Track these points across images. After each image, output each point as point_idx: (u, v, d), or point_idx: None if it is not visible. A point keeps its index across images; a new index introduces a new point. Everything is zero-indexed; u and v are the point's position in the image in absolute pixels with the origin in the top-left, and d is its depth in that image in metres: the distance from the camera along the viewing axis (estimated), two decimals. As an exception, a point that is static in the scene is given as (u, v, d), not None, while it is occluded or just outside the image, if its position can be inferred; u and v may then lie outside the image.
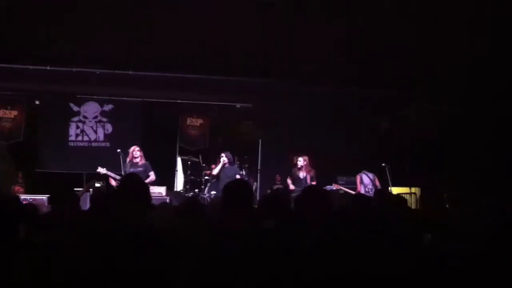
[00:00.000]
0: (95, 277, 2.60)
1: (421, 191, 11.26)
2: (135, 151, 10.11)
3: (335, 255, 2.77)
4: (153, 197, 7.90)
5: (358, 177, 10.96)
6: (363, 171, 10.97)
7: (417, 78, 11.00)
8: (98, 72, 11.64)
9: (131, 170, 9.74)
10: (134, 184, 3.72)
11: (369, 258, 2.72)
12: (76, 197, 5.26)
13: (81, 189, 9.46)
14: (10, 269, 2.62)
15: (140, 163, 10.07)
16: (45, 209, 6.31)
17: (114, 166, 10.25)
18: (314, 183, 10.52)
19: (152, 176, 10.07)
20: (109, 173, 10.07)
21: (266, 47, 10.79)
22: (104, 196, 5.95)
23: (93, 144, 12.38)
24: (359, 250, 2.81)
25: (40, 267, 2.60)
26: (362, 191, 10.78)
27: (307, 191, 3.89)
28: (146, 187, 3.94)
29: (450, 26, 9.70)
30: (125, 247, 2.73)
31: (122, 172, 10.02)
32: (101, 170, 10.04)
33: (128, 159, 10.07)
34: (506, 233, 3.04)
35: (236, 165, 11.16)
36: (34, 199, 9.00)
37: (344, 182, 11.15)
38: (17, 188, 11.24)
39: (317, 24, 10.06)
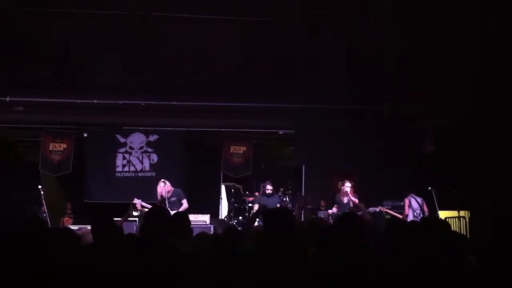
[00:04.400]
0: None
1: (471, 214, 10.96)
2: (165, 184, 10.16)
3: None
4: (196, 225, 8.01)
5: (406, 201, 10.72)
6: (411, 194, 10.74)
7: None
8: (143, 104, 11.91)
9: (167, 201, 9.88)
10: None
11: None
12: (118, 226, 5.29)
13: (120, 218, 9.58)
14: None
15: (170, 193, 10.12)
16: (90, 238, 6.39)
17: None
18: (362, 204, 10.41)
19: (185, 204, 10.11)
20: (143, 203, 10.20)
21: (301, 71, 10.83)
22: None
23: (139, 174, 12.59)
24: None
25: None
26: (411, 216, 10.55)
27: (341, 218, 3.84)
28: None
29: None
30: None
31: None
32: (137, 202, 10.18)
33: (159, 194, 10.12)
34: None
35: (277, 195, 11.21)
36: (79, 228, 9.16)
37: (390, 206, 10.95)
38: (66, 219, 11.51)
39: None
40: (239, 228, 8.23)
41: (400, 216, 10.53)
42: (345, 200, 10.55)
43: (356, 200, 10.49)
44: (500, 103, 10.36)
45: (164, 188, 10.05)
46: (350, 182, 10.73)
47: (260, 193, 11.31)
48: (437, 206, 10.43)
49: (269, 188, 10.96)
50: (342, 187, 10.57)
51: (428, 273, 3.00)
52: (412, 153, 11.79)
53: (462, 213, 10.93)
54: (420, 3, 9.05)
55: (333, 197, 11.33)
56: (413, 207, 10.62)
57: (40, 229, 3.52)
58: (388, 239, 3.99)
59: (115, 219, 9.22)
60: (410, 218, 10.48)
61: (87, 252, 4.02)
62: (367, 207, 10.64)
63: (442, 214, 10.55)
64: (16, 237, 3.35)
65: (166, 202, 9.96)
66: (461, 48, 9.78)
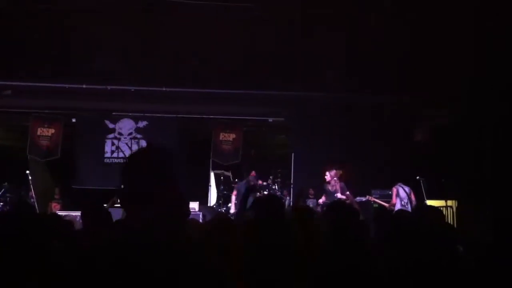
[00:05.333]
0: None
1: (458, 204, 11.05)
2: None
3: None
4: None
5: (394, 190, 10.76)
6: (399, 183, 10.79)
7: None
8: (132, 90, 11.84)
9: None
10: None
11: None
12: (108, 213, 5.26)
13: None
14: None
15: None
16: (78, 225, 6.38)
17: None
18: (347, 193, 10.46)
19: None
20: None
21: (294, 60, 10.81)
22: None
23: (128, 160, 12.50)
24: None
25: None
26: (398, 205, 10.60)
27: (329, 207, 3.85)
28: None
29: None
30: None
31: None
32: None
33: None
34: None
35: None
36: (67, 215, 9.15)
37: (378, 195, 11.01)
38: (54, 204, 11.47)
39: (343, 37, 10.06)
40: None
41: (387, 205, 10.62)
42: (332, 189, 10.58)
43: (339, 195, 10.47)
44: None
45: None
46: (337, 171, 10.74)
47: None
48: (425, 196, 10.49)
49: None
50: (329, 176, 10.58)
51: (422, 265, 2.98)
52: (404, 142, 11.81)
53: (449, 202, 11.02)
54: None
55: (321, 186, 11.32)
56: (400, 196, 10.67)
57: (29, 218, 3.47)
58: (377, 229, 3.99)
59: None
60: (398, 207, 10.53)
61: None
62: (355, 197, 10.69)
63: (430, 204, 10.60)
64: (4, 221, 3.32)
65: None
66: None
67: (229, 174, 12.05)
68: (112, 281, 2.58)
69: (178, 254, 2.72)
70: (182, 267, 2.67)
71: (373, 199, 10.81)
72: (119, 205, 10.27)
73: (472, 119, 11.09)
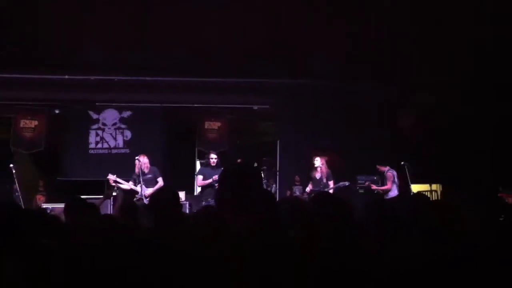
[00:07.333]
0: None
1: (443, 188, 11.14)
2: (144, 159, 10.19)
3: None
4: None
5: (390, 174, 10.66)
6: (389, 168, 10.81)
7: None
8: (115, 79, 11.76)
9: (142, 178, 9.95)
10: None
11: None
12: (91, 206, 5.23)
13: (100, 196, 9.53)
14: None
15: (147, 170, 10.14)
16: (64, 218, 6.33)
17: (134, 172, 10.34)
18: (331, 182, 10.51)
19: (160, 181, 10.19)
20: (118, 179, 10.18)
21: (277, 46, 10.77)
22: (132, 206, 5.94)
23: (113, 151, 12.47)
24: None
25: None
26: (395, 191, 10.63)
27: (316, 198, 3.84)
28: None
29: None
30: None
31: (131, 180, 10.17)
32: (111, 177, 10.14)
33: (137, 168, 10.12)
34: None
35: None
36: (54, 209, 9.11)
37: (363, 181, 11.04)
38: (38, 197, 11.38)
39: (325, 20, 10.02)
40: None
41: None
42: (318, 176, 10.61)
43: (331, 183, 10.51)
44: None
45: (144, 164, 10.08)
46: (322, 158, 10.77)
47: (204, 164, 11.14)
48: (409, 180, 10.54)
49: (213, 157, 10.63)
50: (320, 162, 10.61)
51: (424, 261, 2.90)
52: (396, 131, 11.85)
53: (433, 186, 11.11)
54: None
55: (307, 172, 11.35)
56: (396, 182, 10.70)
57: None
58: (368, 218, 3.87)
59: (94, 197, 9.29)
60: (395, 193, 10.57)
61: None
62: (339, 181, 10.71)
63: (414, 188, 10.69)
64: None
65: (141, 179, 9.94)
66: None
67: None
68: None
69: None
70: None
71: (374, 187, 10.76)
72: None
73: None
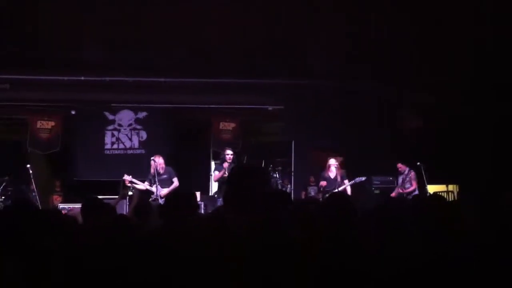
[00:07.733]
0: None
1: (460, 189, 11.02)
2: (160, 159, 10.21)
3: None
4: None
5: (413, 173, 10.67)
6: (408, 168, 10.74)
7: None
8: (131, 80, 11.83)
9: (157, 178, 9.98)
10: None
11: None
12: (108, 206, 5.24)
13: (116, 197, 9.57)
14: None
15: (162, 170, 10.17)
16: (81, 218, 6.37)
17: (149, 173, 10.38)
18: (346, 180, 10.43)
19: (176, 182, 10.19)
20: (134, 180, 10.21)
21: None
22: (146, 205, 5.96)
23: (129, 151, 12.54)
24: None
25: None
26: (417, 191, 10.59)
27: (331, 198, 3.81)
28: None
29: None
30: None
31: (146, 180, 10.20)
32: (126, 178, 10.17)
33: (152, 168, 10.15)
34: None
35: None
36: (72, 209, 9.18)
37: (379, 182, 10.96)
38: (55, 197, 11.49)
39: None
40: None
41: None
42: (332, 175, 10.55)
43: (346, 181, 10.45)
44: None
45: (159, 164, 10.11)
46: (336, 159, 10.71)
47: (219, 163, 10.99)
48: (425, 181, 10.45)
49: (229, 153, 10.50)
50: (328, 163, 10.55)
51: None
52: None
53: (450, 187, 11.00)
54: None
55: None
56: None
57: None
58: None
59: (110, 197, 9.33)
60: (417, 193, 10.48)
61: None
62: (354, 178, 10.62)
63: (431, 189, 10.61)
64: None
65: (156, 179, 9.97)
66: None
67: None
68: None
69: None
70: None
71: (404, 190, 10.65)
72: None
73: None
